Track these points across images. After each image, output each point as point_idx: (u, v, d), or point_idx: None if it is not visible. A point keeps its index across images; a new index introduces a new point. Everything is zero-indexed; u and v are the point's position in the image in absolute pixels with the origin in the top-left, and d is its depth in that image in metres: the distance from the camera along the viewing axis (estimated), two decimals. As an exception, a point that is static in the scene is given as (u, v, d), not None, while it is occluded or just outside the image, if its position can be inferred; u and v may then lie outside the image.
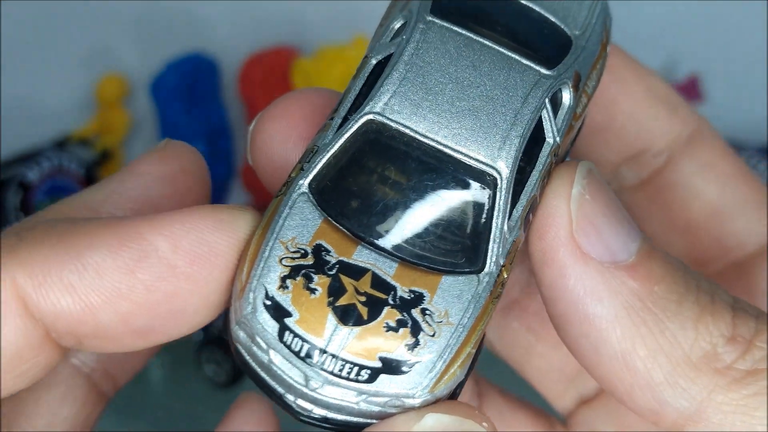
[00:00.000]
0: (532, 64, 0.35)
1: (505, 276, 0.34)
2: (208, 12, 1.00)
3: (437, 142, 0.34)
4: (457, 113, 0.34)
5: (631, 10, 0.87)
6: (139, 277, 0.32)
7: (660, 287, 0.34)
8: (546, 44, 0.36)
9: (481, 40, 0.35)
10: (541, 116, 0.35)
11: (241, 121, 1.01)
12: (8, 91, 0.97)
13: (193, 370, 0.90)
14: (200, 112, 0.97)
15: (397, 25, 0.36)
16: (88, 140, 0.97)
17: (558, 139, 0.35)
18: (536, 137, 0.35)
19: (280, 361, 0.32)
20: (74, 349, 0.34)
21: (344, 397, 0.32)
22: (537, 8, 0.37)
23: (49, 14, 0.99)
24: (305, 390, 0.32)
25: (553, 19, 0.37)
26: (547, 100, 0.35)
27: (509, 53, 0.35)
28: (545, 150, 0.35)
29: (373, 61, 0.36)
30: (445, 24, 0.35)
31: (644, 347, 0.34)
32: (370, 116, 0.34)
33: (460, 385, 0.34)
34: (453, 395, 0.34)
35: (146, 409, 0.89)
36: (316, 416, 0.32)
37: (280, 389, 0.32)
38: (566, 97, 0.36)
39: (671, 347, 0.34)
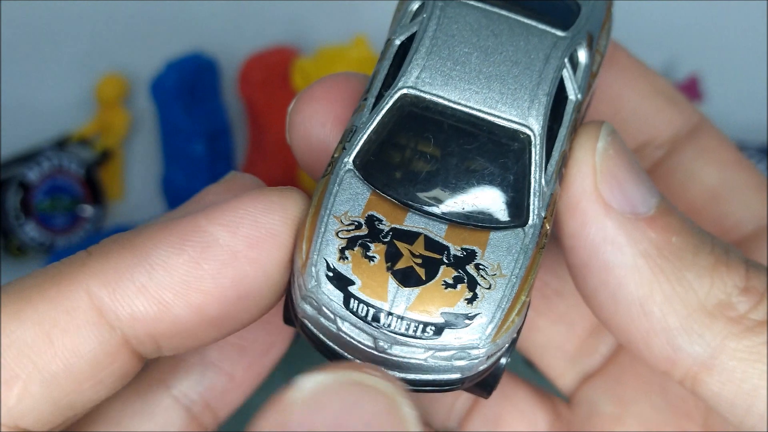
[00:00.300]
0: (548, 28, 0.37)
1: (548, 227, 0.36)
2: (208, 12, 1.00)
3: (470, 107, 0.36)
4: (486, 79, 0.36)
5: (631, 10, 0.87)
6: (205, 268, 0.34)
7: (678, 238, 0.36)
8: (559, 9, 0.38)
9: (497, 10, 0.37)
10: (562, 75, 0.37)
11: (241, 121, 1.01)
12: (8, 91, 0.97)
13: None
14: (200, 112, 0.96)
15: (415, 6, 0.38)
16: (88, 140, 0.97)
17: (579, 95, 0.37)
18: (559, 96, 0.37)
19: (348, 327, 0.34)
20: (153, 355, 0.35)
21: (413, 354, 0.33)
22: None
23: (49, 14, 0.99)
24: (375, 353, 0.34)
25: None
26: (566, 60, 0.37)
27: (526, 20, 0.37)
28: (569, 107, 0.37)
29: (397, 42, 0.37)
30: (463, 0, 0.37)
31: (661, 294, 0.35)
32: (404, 90, 0.36)
33: (519, 331, 0.36)
34: (513, 342, 0.36)
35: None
36: None
37: (350, 356, 0.34)
38: (582, 55, 0.38)
39: (687, 294, 0.35)
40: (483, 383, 0.36)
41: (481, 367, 0.35)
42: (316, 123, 0.38)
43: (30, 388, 0.33)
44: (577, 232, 0.36)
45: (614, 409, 0.45)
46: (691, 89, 0.97)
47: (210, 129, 0.97)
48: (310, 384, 0.29)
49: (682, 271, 0.35)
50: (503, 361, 0.36)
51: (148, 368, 0.41)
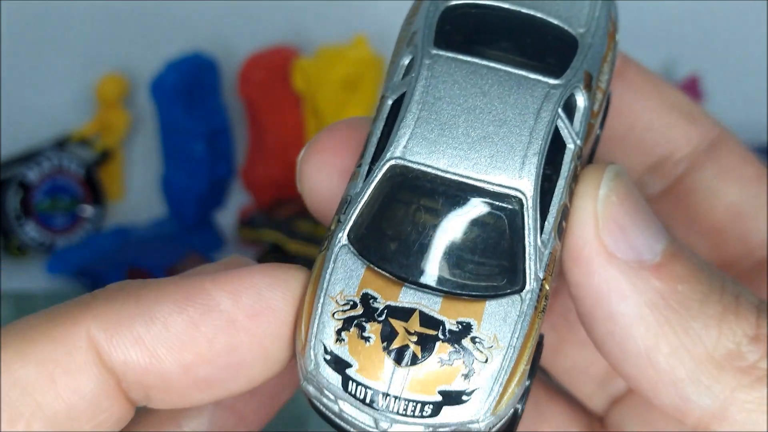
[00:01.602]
0: (540, 77, 0.36)
1: (547, 288, 0.35)
2: (208, 12, 1.00)
3: (459, 175, 0.35)
4: (474, 143, 0.35)
5: (631, 10, 0.87)
6: (202, 330, 0.34)
7: (684, 287, 0.35)
8: (552, 50, 0.37)
9: (486, 63, 0.36)
10: (557, 126, 0.36)
11: (241, 121, 1.01)
12: (8, 91, 0.97)
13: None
14: (200, 112, 0.97)
15: (406, 61, 0.37)
16: (88, 140, 0.97)
17: (579, 142, 0.36)
18: (557, 146, 0.36)
19: (349, 408, 0.34)
20: (143, 404, 0.36)
21: None
22: (538, 14, 0.37)
23: (49, 14, 0.99)
24: (377, 431, 0.34)
25: (555, 22, 0.37)
26: (560, 110, 0.36)
27: (516, 71, 0.36)
28: (567, 156, 0.36)
29: (389, 102, 0.37)
30: (450, 54, 0.36)
31: (667, 345, 0.34)
32: (393, 162, 0.35)
33: (526, 392, 0.35)
34: (527, 391, 0.35)
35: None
36: None
37: None
38: (580, 100, 0.36)
39: (694, 345, 0.34)
40: None
41: None
42: (324, 174, 0.39)
43: (33, 426, 0.33)
44: (582, 281, 0.35)
45: None
46: (691, 89, 0.97)
47: (210, 129, 0.97)
48: None
49: (689, 321, 0.34)
50: (519, 407, 0.35)
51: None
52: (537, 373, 0.36)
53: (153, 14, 1.00)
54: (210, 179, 0.97)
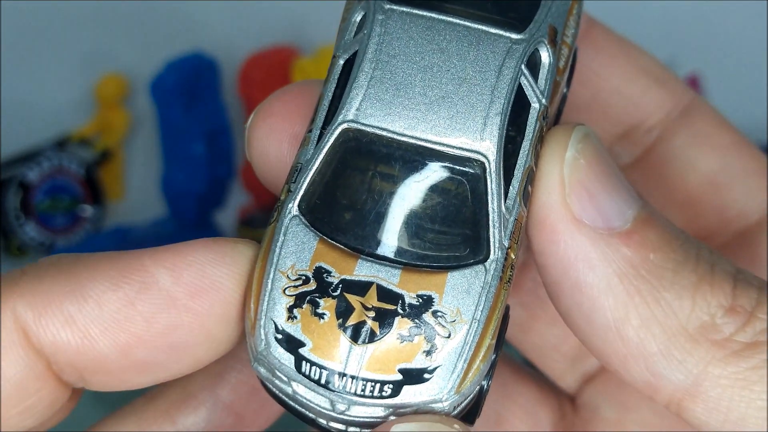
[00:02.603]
0: (502, 32, 0.34)
1: (513, 257, 0.33)
2: (208, 12, 1.00)
3: (416, 138, 0.33)
4: (432, 103, 0.33)
5: (631, 10, 0.87)
6: (138, 309, 0.32)
7: (656, 255, 0.33)
8: (514, 2, 0.35)
9: (444, 18, 0.34)
10: (520, 84, 0.33)
11: (241, 121, 1.01)
12: (8, 91, 0.97)
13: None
14: (200, 112, 0.96)
15: (358, 17, 0.35)
16: (88, 140, 0.97)
17: (544, 101, 0.34)
18: (520, 105, 0.34)
19: (303, 390, 0.32)
20: (79, 386, 0.34)
21: (373, 414, 0.32)
22: None
23: (49, 14, 0.99)
24: (333, 414, 0.32)
25: None
26: (523, 66, 0.33)
27: (476, 25, 0.34)
28: (532, 116, 0.34)
29: (341, 62, 0.35)
30: (405, 9, 0.34)
31: (638, 317, 0.33)
32: (345, 125, 0.33)
33: (492, 367, 0.33)
34: (493, 365, 0.33)
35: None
36: None
37: (310, 415, 0.32)
38: (545, 56, 0.34)
39: (666, 317, 0.32)
40: (465, 414, 0.34)
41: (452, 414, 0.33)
42: (273, 141, 0.36)
43: None
44: (547, 250, 0.33)
45: (616, 413, 0.43)
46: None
47: (210, 129, 0.97)
48: (402, 429, 0.31)
49: (661, 292, 0.32)
50: (484, 383, 0.33)
51: (155, 399, 0.40)
52: (503, 349, 0.34)
53: (153, 14, 1.00)
54: (210, 179, 0.97)
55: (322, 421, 0.32)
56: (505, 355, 0.44)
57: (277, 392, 0.33)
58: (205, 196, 0.98)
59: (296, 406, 0.33)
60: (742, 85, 0.95)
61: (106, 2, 0.99)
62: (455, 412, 0.33)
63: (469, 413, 0.34)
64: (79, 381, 0.33)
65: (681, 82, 0.44)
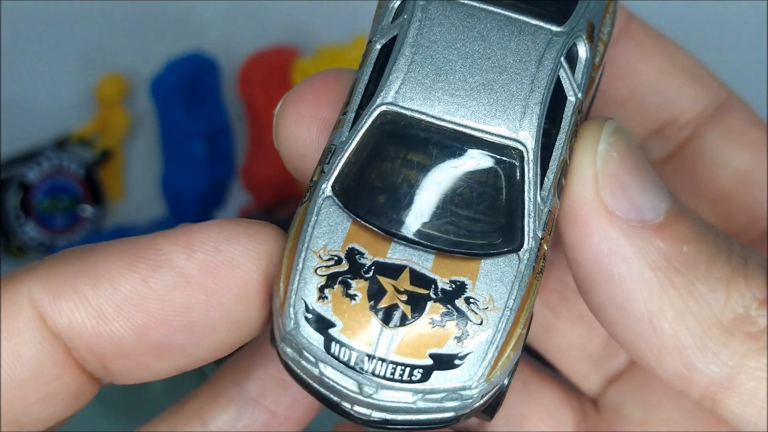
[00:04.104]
0: (542, 23, 0.34)
1: (546, 248, 0.33)
2: (208, 12, 1.00)
3: (455, 123, 0.33)
4: (472, 90, 0.33)
5: (630, 10, 0.87)
6: (151, 286, 0.32)
7: (689, 247, 0.33)
8: None
9: (485, 6, 0.34)
10: (559, 76, 0.34)
11: (241, 121, 1.01)
12: (8, 91, 0.97)
13: (194, 372, 0.90)
14: (200, 112, 0.96)
15: (396, 3, 0.35)
16: (88, 140, 0.97)
17: (580, 95, 0.34)
18: (557, 97, 0.34)
19: (331, 372, 0.31)
20: (106, 379, 0.33)
21: (401, 398, 0.31)
22: None
23: (48, 14, 0.99)
24: (360, 397, 0.31)
25: None
26: (562, 59, 0.34)
27: (517, 15, 0.34)
28: (568, 109, 0.34)
29: (378, 46, 0.35)
30: None
31: (672, 309, 0.32)
32: (383, 107, 0.33)
33: (514, 366, 0.33)
34: (501, 388, 0.33)
35: (147, 411, 0.89)
36: (376, 419, 0.32)
37: (335, 398, 0.32)
38: (582, 50, 0.34)
39: (700, 309, 0.32)
40: (486, 407, 0.34)
41: (477, 404, 0.33)
42: (303, 127, 0.36)
43: None
44: (579, 243, 0.33)
45: (641, 413, 0.42)
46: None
47: (210, 129, 0.97)
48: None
49: (695, 284, 0.32)
50: (506, 381, 0.33)
51: (186, 402, 0.40)
52: (523, 350, 0.34)
53: (153, 14, 1.00)
54: (210, 179, 0.97)
55: (347, 405, 0.32)
56: (526, 357, 0.44)
57: (302, 374, 0.33)
58: (205, 196, 0.98)
59: (321, 389, 0.32)
60: (742, 85, 0.95)
61: (106, 2, 0.99)
62: (482, 401, 0.33)
63: (490, 407, 0.34)
64: (103, 371, 0.33)
65: (716, 78, 0.44)
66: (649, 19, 0.44)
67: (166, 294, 0.32)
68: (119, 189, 1.00)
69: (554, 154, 0.33)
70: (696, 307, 0.32)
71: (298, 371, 0.33)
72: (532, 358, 0.45)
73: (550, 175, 0.33)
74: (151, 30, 1.00)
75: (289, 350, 0.32)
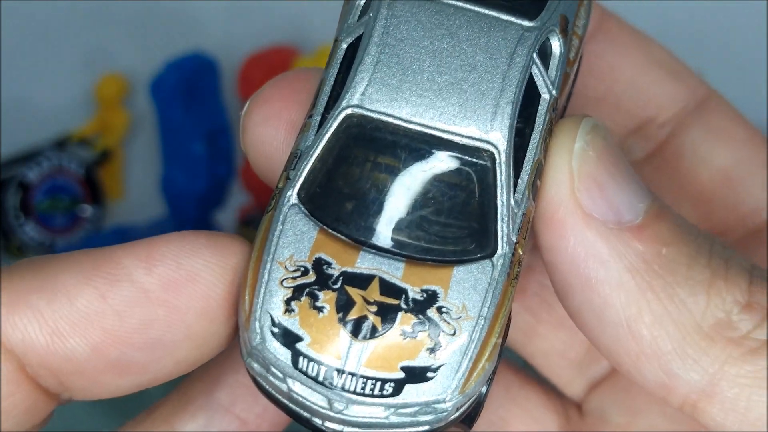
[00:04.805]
0: (513, 18, 0.32)
1: (521, 253, 0.32)
2: (208, 12, 1.00)
3: (424, 125, 0.31)
4: (440, 89, 0.31)
5: (630, 10, 0.87)
6: (109, 302, 0.30)
7: (669, 249, 0.32)
8: None
9: (453, 2, 0.32)
10: (531, 73, 0.32)
11: (241, 121, 1.01)
12: (8, 91, 0.97)
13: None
14: (200, 112, 0.96)
15: (362, 1, 0.34)
16: (88, 140, 0.97)
17: (554, 92, 0.33)
18: (530, 95, 0.32)
19: (299, 388, 0.30)
20: (64, 395, 0.32)
21: (372, 413, 0.30)
22: None
23: (48, 14, 0.98)
24: (331, 413, 0.30)
25: None
26: (535, 55, 0.32)
27: (486, 11, 0.32)
28: (542, 107, 0.32)
29: (344, 45, 0.33)
30: None
31: (650, 314, 0.31)
32: (349, 110, 0.32)
33: (492, 374, 0.32)
34: (494, 370, 0.32)
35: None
36: None
37: (305, 414, 0.31)
38: (556, 45, 0.33)
39: (680, 314, 0.31)
40: (464, 417, 0.32)
41: (452, 417, 0.31)
42: (269, 128, 0.35)
43: None
44: (555, 246, 0.32)
45: (625, 418, 0.42)
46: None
47: (210, 129, 0.97)
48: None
49: (674, 288, 0.31)
50: (483, 390, 0.32)
51: (156, 409, 0.38)
52: (504, 354, 0.33)
53: (153, 14, 1.00)
54: (210, 179, 0.97)
55: (318, 421, 0.31)
56: (508, 360, 0.43)
57: (270, 390, 0.31)
58: (205, 196, 0.98)
59: (291, 405, 0.31)
60: (742, 85, 0.95)
61: (106, 2, 0.99)
62: (457, 413, 0.31)
63: (468, 417, 0.33)
64: (59, 387, 0.32)
65: (695, 76, 0.43)
66: (646, 20, 0.43)
67: (124, 310, 0.31)
68: (119, 189, 1.00)
69: (528, 154, 0.32)
70: (675, 311, 0.31)
71: (267, 387, 0.32)
72: (515, 360, 0.44)
73: (524, 176, 0.32)
74: (151, 30, 1.00)
75: (256, 365, 0.31)
